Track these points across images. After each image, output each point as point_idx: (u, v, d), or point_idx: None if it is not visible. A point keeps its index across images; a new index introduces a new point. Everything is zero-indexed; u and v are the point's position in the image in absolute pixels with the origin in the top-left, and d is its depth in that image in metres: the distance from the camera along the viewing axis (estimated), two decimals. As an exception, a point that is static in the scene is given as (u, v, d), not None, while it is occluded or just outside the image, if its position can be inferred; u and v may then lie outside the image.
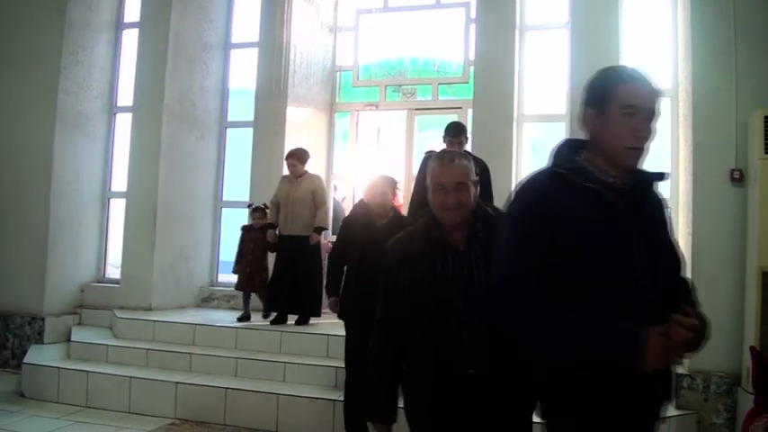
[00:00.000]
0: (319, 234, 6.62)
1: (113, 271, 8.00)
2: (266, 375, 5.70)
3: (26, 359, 6.39)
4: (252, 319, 6.77)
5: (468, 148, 7.31)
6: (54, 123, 7.39)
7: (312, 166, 7.51)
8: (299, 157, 6.71)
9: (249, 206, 7.20)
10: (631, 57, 6.31)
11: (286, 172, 6.86)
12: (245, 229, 7.06)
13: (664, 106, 6.27)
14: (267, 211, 6.89)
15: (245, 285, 6.86)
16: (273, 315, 6.71)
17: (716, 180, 5.29)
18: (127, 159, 7.71)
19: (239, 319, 6.72)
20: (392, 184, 4.81)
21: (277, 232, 6.73)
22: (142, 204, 7.41)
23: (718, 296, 5.03)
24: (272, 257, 6.85)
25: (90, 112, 7.89)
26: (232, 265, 7.06)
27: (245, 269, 6.81)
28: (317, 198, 6.63)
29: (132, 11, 8.18)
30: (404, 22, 8.40)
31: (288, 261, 6.53)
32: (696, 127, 5.44)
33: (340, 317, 4.78)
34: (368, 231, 4.52)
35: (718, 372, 5.12)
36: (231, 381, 5.64)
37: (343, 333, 4.83)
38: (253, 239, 6.89)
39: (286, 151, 7.57)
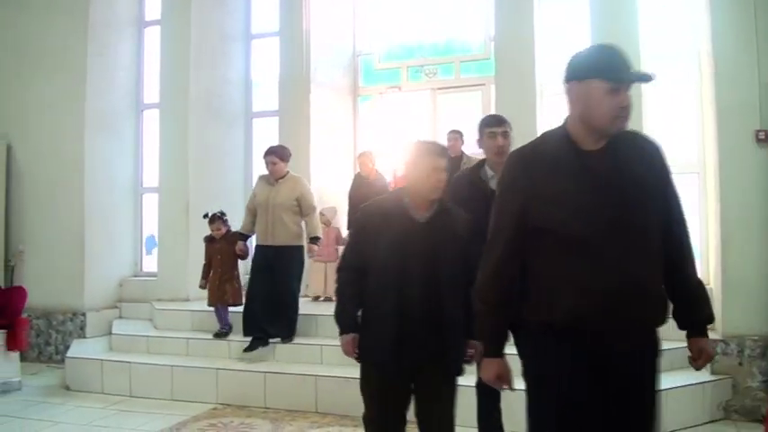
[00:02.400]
0: (316, 245, 6.07)
1: (150, 264, 8.15)
2: (304, 358, 5.79)
3: (69, 353, 6.58)
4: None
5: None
6: (83, 123, 7.57)
7: (338, 151, 7.58)
8: (279, 154, 5.97)
9: (205, 216, 6.40)
10: (651, 22, 6.22)
11: (263, 171, 6.18)
12: (207, 239, 6.43)
13: (687, 70, 6.24)
14: (225, 218, 6.33)
15: (217, 300, 6.23)
16: (225, 330, 6.24)
17: (741, 141, 5.21)
18: (157, 155, 7.86)
19: (217, 336, 6.22)
20: (445, 155, 3.12)
21: (249, 243, 6.21)
22: (174, 198, 7.54)
23: (748, 258, 4.98)
24: (243, 266, 6.51)
25: (118, 111, 8.06)
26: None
27: (215, 281, 6.21)
28: (304, 204, 5.94)
29: (153, 8, 8.29)
30: (423, 2, 8.37)
31: (266, 276, 5.83)
32: (719, 90, 5.35)
33: (360, 359, 3.18)
34: (404, 231, 3.00)
35: (752, 335, 5.08)
36: (269, 365, 5.74)
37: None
38: (218, 250, 6.28)
39: (312, 139, 7.67)
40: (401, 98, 8.51)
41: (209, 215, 6.36)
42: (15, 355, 6.35)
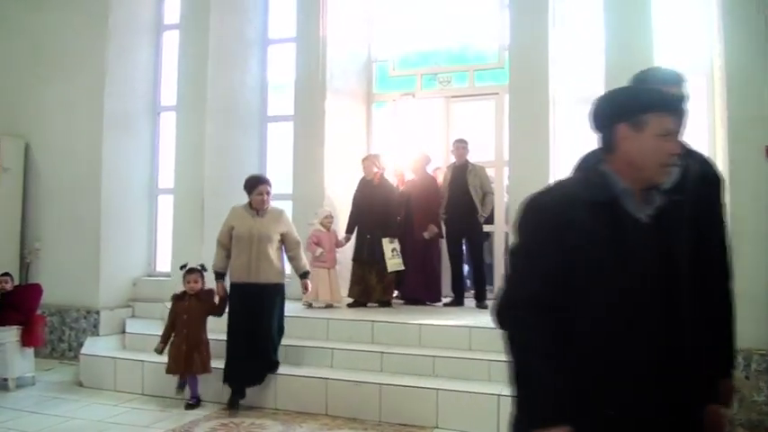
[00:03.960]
0: (308, 279, 5.70)
1: (163, 265, 8.25)
2: (314, 361, 5.84)
3: (83, 350, 6.68)
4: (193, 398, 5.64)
5: (504, 134, 7.43)
6: (101, 124, 7.71)
7: (352, 157, 7.65)
8: (270, 185, 5.63)
9: (182, 267, 5.65)
10: (665, 35, 6.27)
11: (241, 201, 5.74)
12: (176, 298, 5.66)
13: (699, 85, 6.29)
14: (205, 272, 5.67)
15: (182, 368, 5.46)
16: (193, 402, 5.55)
17: (751, 156, 5.26)
18: (173, 157, 7.98)
19: (188, 407, 5.52)
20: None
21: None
22: (189, 199, 7.65)
23: (757, 273, 5.01)
24: (214, 323, 5.66)
25: (135, 113, 8.18)
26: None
27: (180, 346, 5.44)
28: (290, 238, 5.58)
29: (172, 13, 8.42)
30: (439, 10, 8.44)
31: (248, 319, 5.32)
32: (730, 104, 5.42)
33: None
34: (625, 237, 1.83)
35: (759, 350, 5.10)
36: (281, 367, 5.69)
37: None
38: (186, 308, 5.53)
39: (326, 144, 7.74)
40: (415, 105, 8.58)
41: (187, 266, 5.65)
42: (30, 351, 6.45)
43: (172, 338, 5.53)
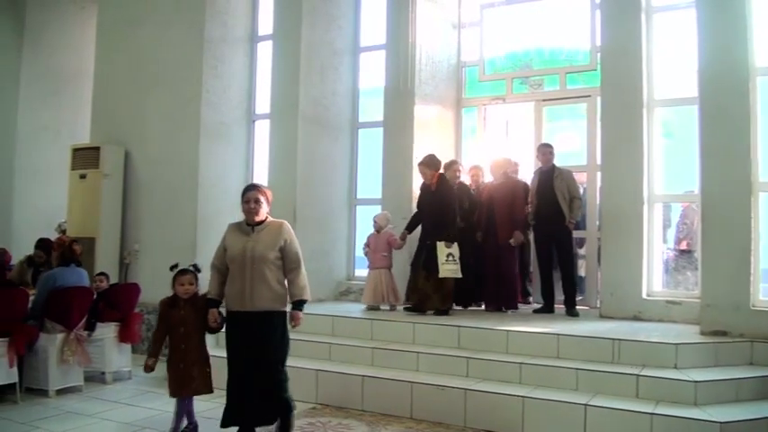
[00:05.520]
0: (301, 310, 4.62)
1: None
2: (400, 364, 5.88)
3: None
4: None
5: (597, 136, 7.25)
6: (198, 133, 8.10)
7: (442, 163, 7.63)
8: (264, 191, 4.67)
9: (173, 268, 4.88)
10: (762, 34, 5.95)
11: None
12: (167, 303, 4.83)
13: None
14: (199, 273, 4.93)
15: (182, 388, 4.73)
16: (190, 428, 4.90)
17: None
18: (266, 163, 8.25)
19: None
20: None
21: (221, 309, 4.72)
22: (282, 204, 7.84)
23: None
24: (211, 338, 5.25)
25: (231, 121, 8.53)
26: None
27: (177, 363, 4.71)
28: (290, 255, 4.58)
29: (265, 24, 8.74)
30: (528, 13, 8.35)
31: (248, 352, 4.48)
32: None
33: None
34: None
35: None
36: (367, 369, 5.87)
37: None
38: (182, 319, 4.72)
39: (416, 150, 7.78)
40: (505, 109, 8.51)
41: (178, 266, 4.88)
42: (127, 346, 6.85)
43: (167, 354, 4.80)
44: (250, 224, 4.60)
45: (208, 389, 4.80)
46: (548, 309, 7.00)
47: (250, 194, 4.58)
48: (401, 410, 5.41)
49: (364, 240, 7.55)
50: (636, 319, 6.49)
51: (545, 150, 7.13)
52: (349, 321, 6.75)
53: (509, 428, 4.96)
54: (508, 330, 5.93)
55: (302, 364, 6.04)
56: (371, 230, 7.42)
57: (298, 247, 4.66)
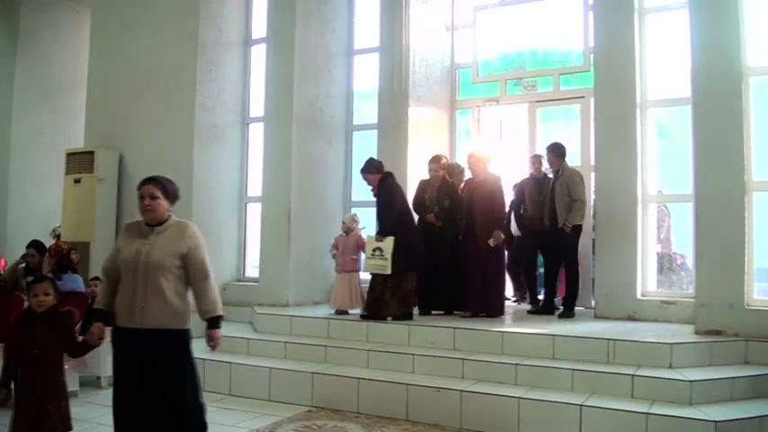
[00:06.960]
0: (219, 328, 3.91)
1: (252, 270, 8.52)
2: (396, 366, 5.87)
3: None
4: None
5: (591, 137, 7.26)
6: (193, 137, 8.09)
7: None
8: (163, 186, 3.86)
9: (28, 276, 4.05)
10: (755, 36, 5.97)
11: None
12: (20, 321, 3.76)
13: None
14: (59, 282, 4.08)
15: (33, 428, 3.60)
16: None
17: None
18: (261, 166, 8.25)
19: None
20: None
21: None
22: (277, 207, 7.88)
23: None
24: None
25: (225, 124, 8.53)
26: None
27: (29, 396, 3.60)
28: (194, 264, 3.78)
29: (259, 28, 8.73)
30: (521, 15, 8.38)
31: (141, 381, 3.64)
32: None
33: None
34: None
35: None
36: (363, 371, 5.86)
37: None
38: (37, 339, 3.65)
39: (410, 151, 7.80)
40: (499, 111, 8.52)
41: (35, 276, 4.14)
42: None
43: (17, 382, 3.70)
44: (150, 224, 3.81)
45: (66, 427, 3.73)
46: (546, 310, 6.96)
47: (144, 189, 3.78)
48: (397, 412, 5.40)
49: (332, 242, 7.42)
50: (631, 319, 6.50)
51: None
52: (344, 323, 6.74)
53: (505, 429, 4.96)
54: (503, 332, 5.94)
55: (297, 366, 6.08)
56: (340, 233, 7.33)
57: (205, 255, 3.83)
